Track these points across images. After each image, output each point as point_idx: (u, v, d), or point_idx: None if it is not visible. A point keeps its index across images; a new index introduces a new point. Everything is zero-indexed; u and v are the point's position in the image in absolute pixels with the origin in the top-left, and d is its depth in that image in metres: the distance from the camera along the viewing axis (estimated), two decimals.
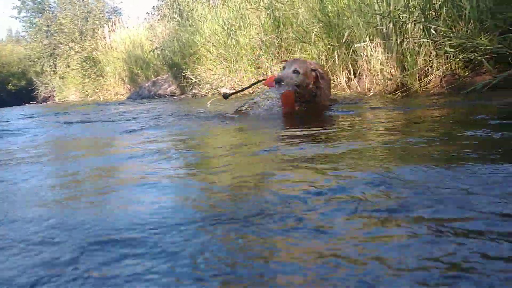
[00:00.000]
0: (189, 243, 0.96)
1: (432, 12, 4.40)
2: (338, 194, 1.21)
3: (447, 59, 4.35)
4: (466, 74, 4.30)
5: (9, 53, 30.41)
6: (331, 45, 5.51)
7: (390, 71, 4.71)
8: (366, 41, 4.81)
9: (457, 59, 4.23)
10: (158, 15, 15.19)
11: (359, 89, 5.14)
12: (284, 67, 3.57)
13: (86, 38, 20.67)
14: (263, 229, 1.00)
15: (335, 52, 5.44)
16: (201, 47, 9.09)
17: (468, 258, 0.80)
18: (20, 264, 0.93)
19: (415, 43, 4.43)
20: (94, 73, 18.17)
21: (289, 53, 6.50)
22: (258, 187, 1.36)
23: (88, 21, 22.65)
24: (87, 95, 18.42)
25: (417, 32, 4.45)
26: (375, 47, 4.77)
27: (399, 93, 4.41)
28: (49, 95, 25.09)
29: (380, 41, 4.69)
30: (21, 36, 33.08)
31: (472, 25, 4.09)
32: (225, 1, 8.71)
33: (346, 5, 5.23)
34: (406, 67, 4.56)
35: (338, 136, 2.17)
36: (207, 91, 8.73)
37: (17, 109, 13.88)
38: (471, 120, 2.40)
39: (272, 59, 6.74)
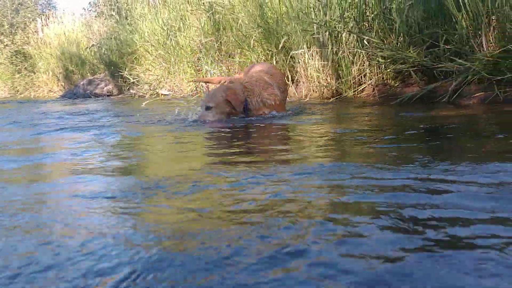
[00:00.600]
0: None
1: (366, 24, 4.58)
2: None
3: (379, 69, 4.54)
4: (396, 84, 4.51)
5: None
6: (270, 50, 5.58)
7: (326, 79, 4.84)
8: (303, 49, 4.91)
9: (388, 70, 4.43)
10: (95, 11, 14.68)
11: (297, 95, 5.24)
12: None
13: (17, 31, 19.56)
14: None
15: (274, 58, 5.51)
16: (140, 46, 8.89)
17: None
18: None
19: (349, 52, 4.59)
20: (25, 68, 17.21)
21: (229, 56, 6.50)
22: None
23: (19, 13, 21.45)
24: (17, 91, 17.43)
25: (351, 42, 4.61)
26: (312, 55, 4.89)
27: (333, 100, 4.55)
28: None
29: (317, 49, 4.81)
30: None
31: (402, 38, 4.30)
32: (165, 1, 8.57)
33: (285, 12, 5.32)
34: (341, 75, 4.71)
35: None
36: (145, 92, 8.54)
37: None
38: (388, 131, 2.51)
39: (212, 62, 6.72)
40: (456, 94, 3.81)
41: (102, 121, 4.04)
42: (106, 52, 11.02)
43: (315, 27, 4.71)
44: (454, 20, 3.96)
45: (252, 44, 5.70)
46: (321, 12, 4.69)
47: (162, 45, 8.06)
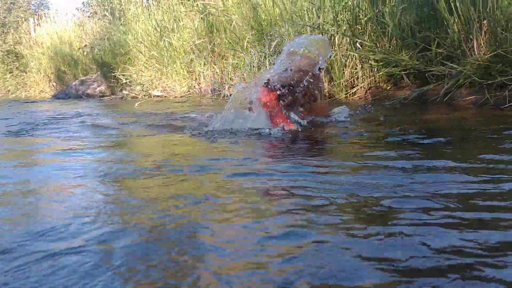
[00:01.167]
0: None
1: (359, 27, 4.60)
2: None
3: (371, 72, 4.56)
4: (388, 87, 4.53)
5: None
6: (263, 52, 5.58)
7: None
8: None
9: (381, 73, 4.45)
10: (88, 11, 14.63)
11: None
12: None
13: (9, 30, 19.41)
14: None
15: (268, 60, 5.52)
16: (133, 47, 8.86)
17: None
18: None
19: (342, 55, 4.60)
20: (17, 68, 17.09)
21: (222, 58, 6.50)
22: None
23: (11, 12, 21.30)
24: (9, 91, 17.29)
25: (344, 45, 4.62)
26: None
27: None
28: None
29: None
30: None
31: (394, 42, 4.32)
32: (159, 2, 8.56)
33: (278, 14, 5.33)
34: (334, 78, 4.72)
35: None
36: (137, 93, 8.51)
37: None
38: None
39: (205, 64, 6.71)
40: (447, 97, 3.85)
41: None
42: (98, 53, 10.99)
43: (308, 29, 4.73)
44: (446, 24, 3.99)
45: (245, 46, 5.71)
46: (315, 15, 4.71)
47: (155, 46, 8.04)
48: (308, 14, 4.78)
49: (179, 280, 0.83)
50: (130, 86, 9.00)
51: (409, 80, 4.25)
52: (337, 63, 4.63)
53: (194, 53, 7.06)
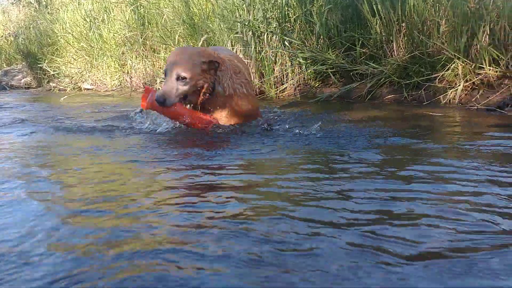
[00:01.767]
0: None
1: (288, 25, 4.68)
2: None
3: (300, 69, 4.66)
4: (316, 84, 4.66)
5: None
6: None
7: None
8: (228, 46, 4.93)
9: (309, 71, 4.56)
10: None
11: None
12: (165, 73, 2.59)
13: None
14: None
15: None
16: (61, 37, 8.46)
17: None
18: None
19: (272, 52, 4.67)
20: None
21: (154, 52, 6.38)
22: None
23: None
24: None
25: (274, 42, 4.69)
26: (236, 53, 4.92)
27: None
28: None
29: (241, 48, 4.85)
30: None
31: (322, 41, 4.45)
32: None
33: (211, 9, 5.31)
34: (264, 75, 4.78)
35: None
36: (66, 85, 8.15)
37: None
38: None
39: (136, 57, 6.56)
40: (370, 95, 4.03)
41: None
42: (24, 42, 10.39)
43: (239, 26, 4.75)
44: (369, 25, 4.17)
45: (177, 40, 5.63)
46: (245, 12, 4.73)
47: (85, 37, 7.72)
48: (238, 10, 4.80)
49: None
50: (58, 78, 8.59)
51: (335, 78, 4.39)
52: (267, 60, 4.69)
53: (125, 45, 6.87)
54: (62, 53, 8.56)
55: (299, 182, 1.52)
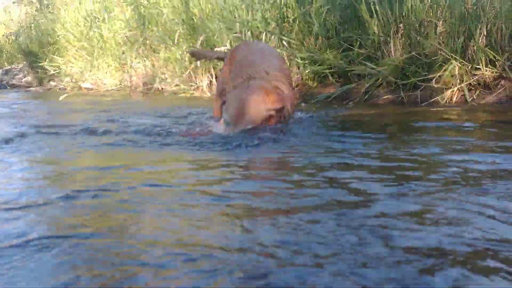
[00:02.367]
0: None
1: (287, 25, 4.70)
2: None
3: (298, 69, 4.67)
4: (314, 85, 4.67)
5: None
6: (195, 47, 5.55)
7: None
8: (226, 46, 4.95)
9: (307, 71, 4.57)
10: None
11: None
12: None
13: None
14: None
15: None
16: (62, 37, 8.49)
17: None
18: None
19: None
20: None
21: (154, 51, 6.39)
22: None
23: None
24: None
25: (272, 42, 4.71)
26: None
27: None
28: None
29: None
30: None
31: (320, 41, 4.46)
32: None
33: (210, 9, 5.33)
34: None
35: None
36: (66, 85, 8.18)
37: None
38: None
39: (136, 57, 6.58)
40: (368, 95, 4.04)
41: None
42: (24, 41, 10.42)
43: (238, 26, 4.77)
44: (367, 25, 4.18)
45: (176, 39, 5.65)
46: (244, 12, 4.76)
47: (85, 37, 7.75)
48: (237, 11, 4.82)
49: None
50: (59, 77, 8.62)
51: (333, 78, 4.40)
52: None
53: (126, 45, 6.89)
54: (62, 53, 8.59)
55: (299, 183, 1.54)
